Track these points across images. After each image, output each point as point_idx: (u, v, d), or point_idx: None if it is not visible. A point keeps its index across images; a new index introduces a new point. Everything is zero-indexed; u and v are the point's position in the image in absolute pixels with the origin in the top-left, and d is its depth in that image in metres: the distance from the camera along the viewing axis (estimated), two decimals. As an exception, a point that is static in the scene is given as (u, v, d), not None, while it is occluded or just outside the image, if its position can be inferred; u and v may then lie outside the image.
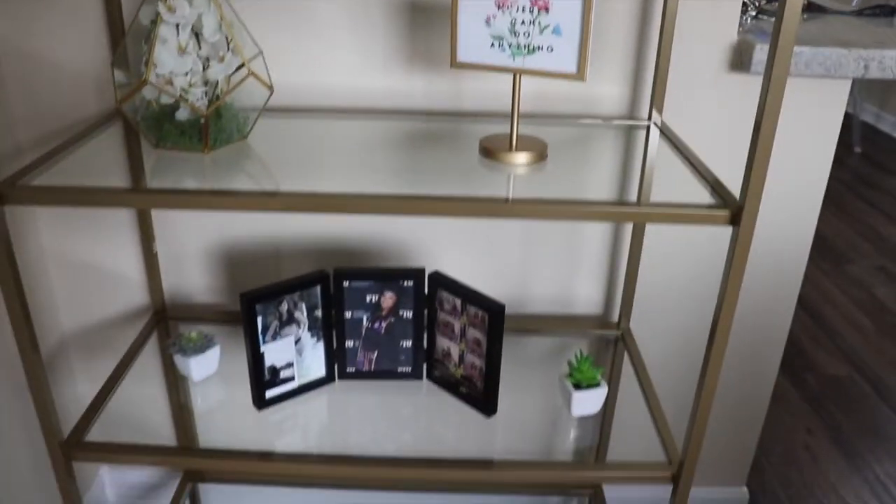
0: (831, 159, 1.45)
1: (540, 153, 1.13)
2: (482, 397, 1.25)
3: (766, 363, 1.64)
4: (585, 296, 1.55)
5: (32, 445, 1.48)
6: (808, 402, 2.23)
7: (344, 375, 1.33)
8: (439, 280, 1.26)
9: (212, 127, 1.08)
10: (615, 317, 1.56)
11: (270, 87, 1.13)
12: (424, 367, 1.34)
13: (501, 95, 1.34)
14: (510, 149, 1.11)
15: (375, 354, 1.32)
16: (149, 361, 1.39)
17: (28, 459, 1.48)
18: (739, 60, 1.34)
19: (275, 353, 1.24)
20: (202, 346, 1.30)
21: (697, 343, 1.57)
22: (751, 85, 1.36)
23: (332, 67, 1.34)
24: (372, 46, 1.32)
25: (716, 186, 1.04)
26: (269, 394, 1.26)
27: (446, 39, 1.26)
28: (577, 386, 1.24)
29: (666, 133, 1.28)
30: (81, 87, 1.34)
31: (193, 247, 1.49)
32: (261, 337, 1.21)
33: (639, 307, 1.54)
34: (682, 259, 1.52)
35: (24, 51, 1.31)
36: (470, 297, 1.21)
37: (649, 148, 1.29)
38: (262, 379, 1.24)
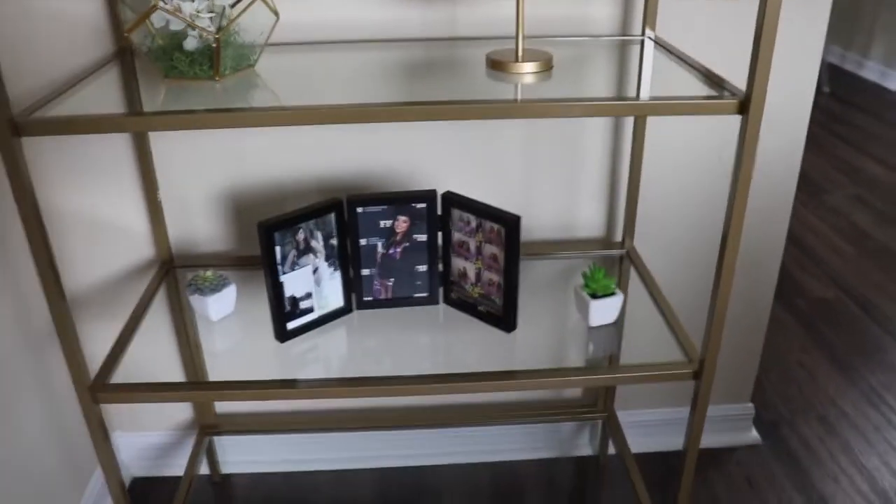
0: (815, 81, 1.49)
1: (546, 62, 1.14)
2: (501, 313, 1.27)
3: (762, 289, 1.69)
4: (587, 218, 1.58)
5: (50, 400, 1.48)
6: (801, 325, 2.29)
7: (362, 305, 1.34)
8: (452, 199, 1.27)
9: (221, 54, 1.08)
10: (618, 237, 1.59)
11: (276, 14, 1.13)
12: (441, 290, 1.35)
13: (496, 20, 1.36)
14: (517, 59, 1.13)
15: (392, 281, 1.33)
16: (162, 310, 1.39)
17: (42, 417, 1.47)
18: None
19: (294, 283, 1.24)
20: (218, 285, 1.31)
21: (700, 256, 1.62)
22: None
23: (328, 1, 1.34)
24: (366, -23, 1.33)
25: (719, 82, 1.06)
26: (291, 325, 1.27)
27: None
28: (594, 296, 1.27)
29: (661, 44, 1.31)
30: (80, 33, 1.32)
31: (197, 194, 1.49)
32: (279, 267, 1.22)
33: (641, 226, 1.57)
34: (682, 175, 1.55)
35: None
36: (484, 212, 1.23)
37: (646, 58, 1.31)
38: (282, 310, 1.24)
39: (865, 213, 2.96)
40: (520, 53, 1.13)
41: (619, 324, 1.30)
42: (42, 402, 1.47)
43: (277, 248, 1.20)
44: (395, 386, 1.17)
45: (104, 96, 1.16)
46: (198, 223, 1.52)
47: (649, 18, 1.36)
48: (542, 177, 1.52)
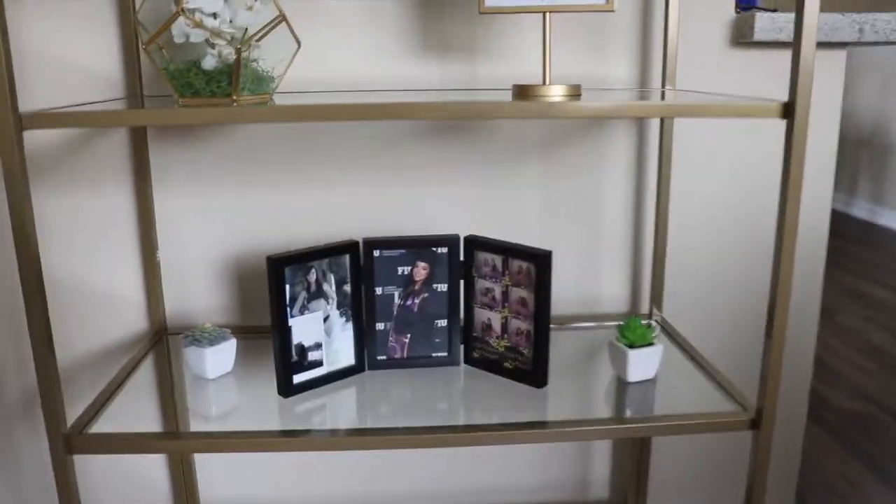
0: (837, 135, 1.48)
1: (574, 89, 1.11)
2: (531, 367, 1.15)
3: (797, 391, 1.59)
4: (611, 290, 1.49)
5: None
6: (834, 437, 2.14)
7: (375, 364, 1.22)
8: (475, 243, 1.19)
9: (240, 74, 1.04)
10: (645, 308, 1.50)
11: (298, 42, 1.11)
12: (461, 349, 1.24)
13: (517, 78, 1.35)
14: (544, 83, 1.09)
15: (408, 338, 1.22)
16: (150, 371, 1.25)
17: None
18: (741, 33, 1.38)
19: (302, 329, 1.13)
20: (218, 338, 1.19)
21: (734, 323, 1.52)
22: (752, 58, 1.40)
23: (346, 58, 1.33)
24: (384, 38, 1.33)
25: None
26: (297, 379, 1.14)
27: (459, 25, 1.28)
28: (631, 346, 1.16)
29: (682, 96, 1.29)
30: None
31: (198, 258, 1.40)
32: (288, 309, 1.11)
33: (669, 296, 1.49)
34: (708, 243, 1.49)
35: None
36: (511, 251, 1.14)
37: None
38: (288, 359, 1.12)
39: (880, 333, 2.88)
40: (547, 77, 1.10)
41: (657, 381, 1.18)
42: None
43: (287, 287, 1.10)
44: (411, 437, 1.03)
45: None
46: (196, 291, 1.41)
47: (668, 75, 1.35)
48: (561, 250, 1.45)
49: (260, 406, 1.12)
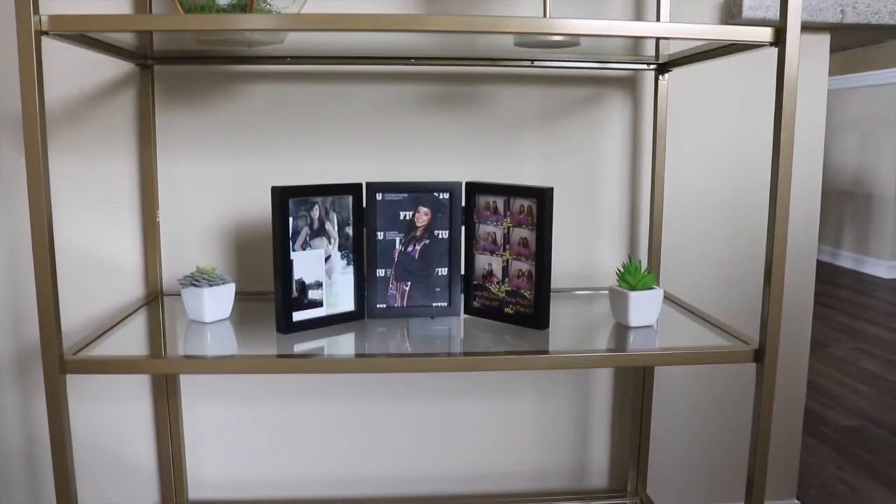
0: (824, 121, 1.52)
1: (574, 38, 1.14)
2: (533, 309, 1.15)
3: (792, 407, 1.60)
4: (609, 268, 1.49)
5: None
6: (833, 449, 2.11)
7: (374, 312, 1.21)
8: (477, 188, 1.20)
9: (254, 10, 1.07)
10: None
11: (306, -14, 1.15)
12: (462, 298, 1.23)
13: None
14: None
15: (409, 286, 1.21)
16: (142, 318, 1.24)
17: None
18: (730, 12, 1.43)
19: (304, 265, 1.13)
20: (217, 280, 1.18)
21: (731, 295, 1.53)
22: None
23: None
24: (390, 5, 1.37)
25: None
26: (297, 316, 1.13)
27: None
28: (633, 289, 1.16)
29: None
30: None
31: (197, 223, 1.40)
32: (290, 243, 1.11)
33: (665, 271, 1.49)
34: (704, 217, 1.50)
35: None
36: (513, 191, 1.16)
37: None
38: (289, 293, 1.11)
39: (873, 361, 2.89)
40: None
41: (658, 328, 1.17)
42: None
43: (291, 221, 1.10)
44: (410, 360, 1.01)
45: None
46: (195, 257, 1.41)
47: (661, 52, 1.39)
48: (559, 223, 1.47)
49: (257, 347, 1.10)
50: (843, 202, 4.92)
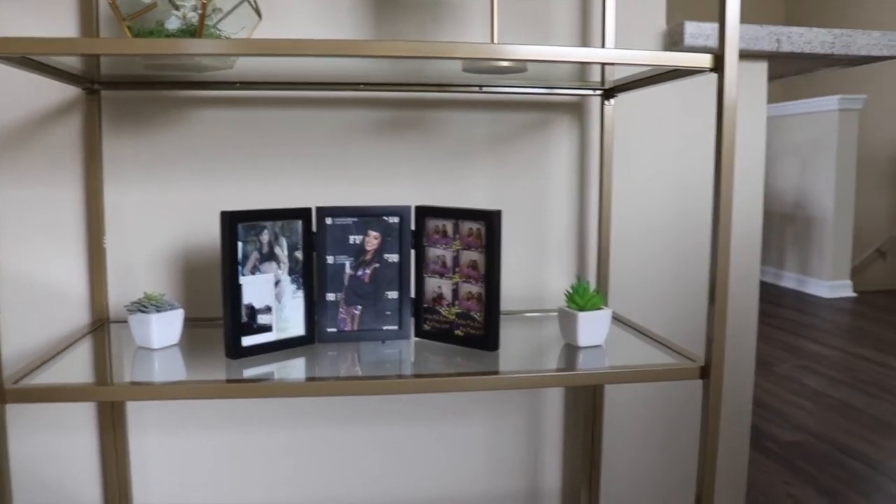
0: (763, 147, 1.58)
1: (522, 64, 1.17)
2: (482, 331, 1.16)
3: (739, 422, 1.64)
4: (557, 290, 1.52)
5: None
6: (779, 464, 2.16)
7: (325, 336, 1.21)
8: (426, 211, 1.21)
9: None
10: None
11: (259, 15, 1.15)
12: (412, 322, 1.24)
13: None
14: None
15: (359, 310, 1.22)
16: (87, 347, 1.21)
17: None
18: (672, 40, 1.48)
19: (253, 290, 1.12)
20: (165, 305, 1.16)
21: (678, 315, 1.56)
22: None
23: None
24: (339, 32, 1.38)
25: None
26: (246, 342, 1.12)
27: (412, 15, 1.35)
28: (581, 310, 1.18)
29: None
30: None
31: (145, 251, 1.39)
32: (240, 267, 1.10)
33: (614, 293, 1.52)
34: (650, 238, 1.54)
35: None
36: (462, 214, 1.17)
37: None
38: (238, 318, 1.10)
39: (816, 378, 2.97)
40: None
41: (607, 348, 1.19)
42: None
43: (240, 245, 1.10)
44: (360, 383, 1.01)
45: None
46: (142, 284, 1.39)
47: (606, 78, 1.43)
48: (508, 245, 1.49)
49: (206, 372, 1.09)
50: (785, 225, 5.08)
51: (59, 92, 1.32)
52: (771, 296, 4.70)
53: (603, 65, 1.42)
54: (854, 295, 4.77)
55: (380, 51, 0.96)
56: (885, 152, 5.09)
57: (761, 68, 1.56)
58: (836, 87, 5.15)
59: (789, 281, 5.03)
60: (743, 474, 1.64)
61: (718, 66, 1.02)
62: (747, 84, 1.54)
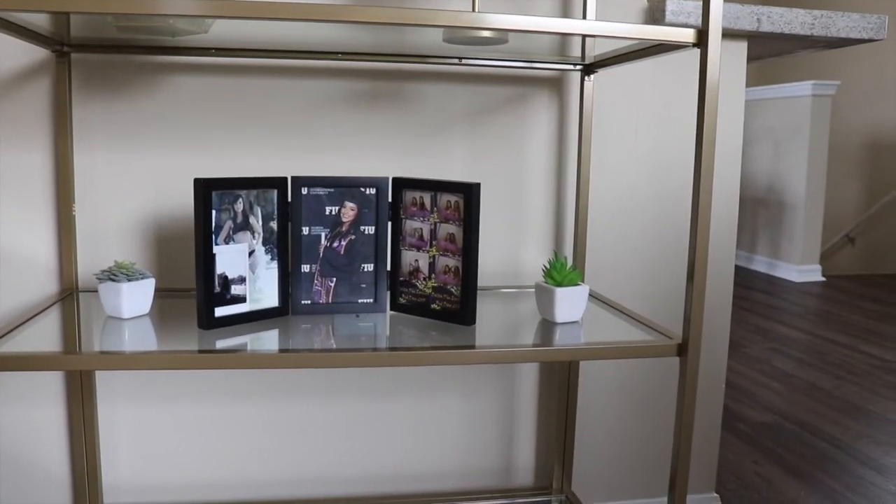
0: (741, 125, 1.58)
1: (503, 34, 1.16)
2: (459, 305, 1.15)
3: (712, 403, 1.65)
4: (534, 267, 1.51)
5: None
6: (748, 443, 2.19)
7: (298, 308, 1.19)
8: (404, 183, 1.20)
9: None
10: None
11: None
12: (388, 295, 1.22)
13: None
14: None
15: (333, 282, 1.20)
16: (55, 316, 1.18)
17: None
18: (653, 17, 1.48)
19: (227, 259, 1.10)
20: (136, 274, 1.14)
21: (654, 294, 1.57)
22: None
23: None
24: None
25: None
26: (219, 312, 1.10)
27: None
28: (559, 286, 1.17)
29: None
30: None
31: (115, 218, 1.36)
32: (213, 237, 1.08)
33: (590, 270, 1.52)
34: (627, 215, 1.54)
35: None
36: (440, 186, 1.16)
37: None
38: (211, 289, 1.08)
39: (785, 360, 3.01)
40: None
41: (584, 324, 1.19)
42: None
43: (214, 213, 1.08)
44: (333, 355, 1.00)
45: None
46: (112, 253, 1.36)
47: (587, 55, 1.42)
48: (485, 222, 1.48)
49: (178, 342, 1.07)
50: (758, 209, 5.13)
51: (28, 54, 1.28)
52: (742, 279, 4.76)
53: (584, 37, 1.40)
54: (823, 279, 4.84)
55: (359, 16, 0.94)
56: (856, 139, 5.15)
57: (741, 48, 1.55)
58: (809, 72, 5.19)
59: (760, 264, 5.09)
60: (714, 454, 1.66)
61: (702, 41, 1.01)
62: (727, 64, 1.54)
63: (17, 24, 1.05)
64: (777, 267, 4.93)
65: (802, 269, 4.77)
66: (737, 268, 5.05)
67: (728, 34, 1.51)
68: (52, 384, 1.38)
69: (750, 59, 1.65)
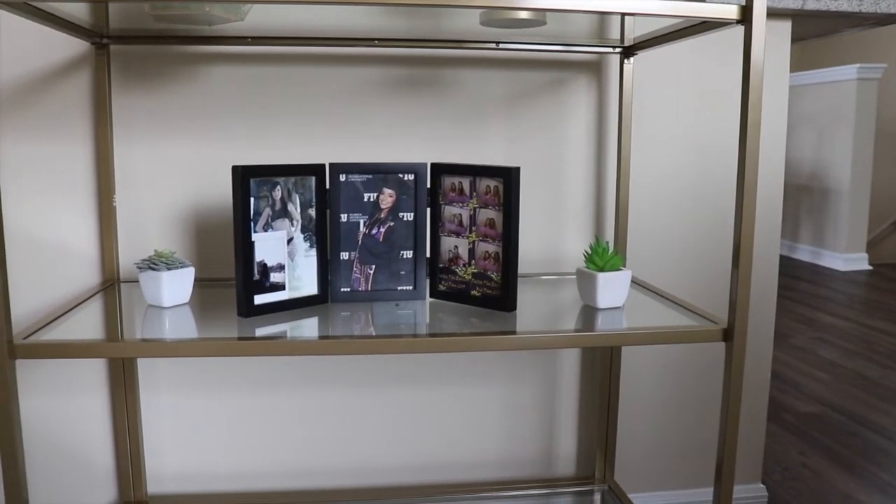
0: (786, 111, 1.54)
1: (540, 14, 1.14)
2: (499, 291, 1.13)
3: (758, 394, 1.62)
4: (575, 253, 1.49)
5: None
6: (794, 433, 2.14)
7: (338, 296, 1.18)
8: (442, 168, 1.18)
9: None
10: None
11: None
12: (427, 282, 1.21)
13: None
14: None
15: (373, 269, 1.19)
16: (98, 306, 1.19)
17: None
18: (695, -3, 1.44)
19: (265, 247, 1.10)
20: (176, 263, 1.14)
21: (696, 278, 1.53)
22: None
23: (314, 10, 1.34)
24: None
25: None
26: (259, 300, 1.10)
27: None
28: (601, 271, 1.15)
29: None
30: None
31: (156, 210, 1.36)
32: (252, 224, 1.08)
33: (631, 255, 1.50)
34: (668, 200, 1.51)
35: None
36: (479, 171, 1.14)
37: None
38: (250, 276, 1.08)
39: (831, 350, 2.95)
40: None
41: (626, 309, 1.17)
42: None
43: (252, 201, 1.08)
44: (373, 342, 0.99)
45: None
46: (153, 243, 1.37)
47: (626, 35, 1.39)
48: (525, 208, 1.46)
49: (218, 330, 1.06)
50: (801, 196, 5.02)
51: (68, 46, 1.29)
52: (786, 268, 4.66)
53: (623, 18, 1.38)
54: (869, 268, 4.71)
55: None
56: (903, 124, 5.01)
57: (785, 28, 1.51)
58: (854, 55, 5.06)
59: (804, 253, 4.98)
60: (760, 444, 1.63)
61: (746, 18, 0.98)
62: (770, 45, 1.49)
63: (59, 16, 1.06)
64: (821, 255, 4.82)
65: (848, 258, 4.66)
66: (780, 257, 4.95)
67: (771, 13, 1.46)
68: (95, 374, 1.39)
69: (794, 39, 1.60)
